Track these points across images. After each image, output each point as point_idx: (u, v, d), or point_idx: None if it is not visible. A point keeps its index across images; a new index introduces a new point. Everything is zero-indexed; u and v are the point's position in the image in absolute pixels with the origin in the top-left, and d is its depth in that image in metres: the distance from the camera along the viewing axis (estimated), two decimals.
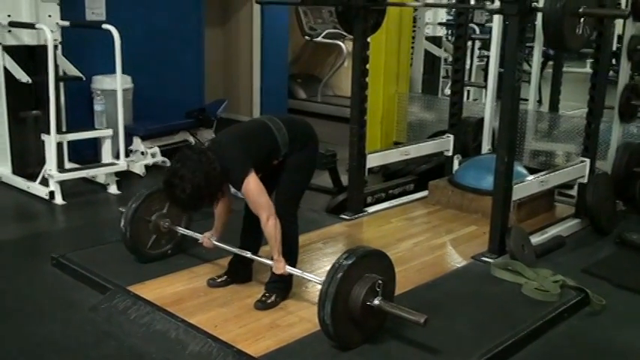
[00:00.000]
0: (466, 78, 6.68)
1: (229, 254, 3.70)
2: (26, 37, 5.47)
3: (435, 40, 8.10)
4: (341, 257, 3.03)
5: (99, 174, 5.68)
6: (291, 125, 3.44)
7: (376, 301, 3.02)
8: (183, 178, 3.15)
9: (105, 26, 5.48)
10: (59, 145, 5.43)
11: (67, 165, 5.69)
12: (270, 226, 3.25)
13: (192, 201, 3.22)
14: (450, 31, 8.68)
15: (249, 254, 3.55)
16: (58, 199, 5.28)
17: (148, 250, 3.95)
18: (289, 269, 3.37)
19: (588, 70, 7.97)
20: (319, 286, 3.04)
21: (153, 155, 6.28)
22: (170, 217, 3.95)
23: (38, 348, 3.18)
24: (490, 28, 6.56)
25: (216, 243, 3.67)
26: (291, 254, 3.47)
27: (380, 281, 3.03)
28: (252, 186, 3.22)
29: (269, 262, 3.39)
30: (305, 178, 3.53)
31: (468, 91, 8.37)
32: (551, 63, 7.57)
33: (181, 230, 3.98)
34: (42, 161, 5.41)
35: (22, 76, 5.33)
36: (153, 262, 3.94)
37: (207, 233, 3.70)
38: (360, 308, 2.99)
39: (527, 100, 6.14)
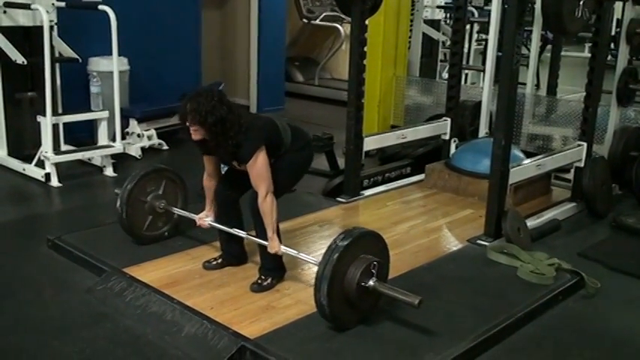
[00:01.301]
0: (464, 61, 6.66)
1: (225, 237, 3.69)
2: (22, 18, 5.42)
3: (433, 23, 8.07)
4: (337, 238, 3.04)
5: (95, 156, 5.67)
6: (294, 130, 3.52)
7: (371, 282, 3.03)
8: (210, 104, 3.17)
9: (101, 7, 5.44)
10: (55, 127, 5.42)
11: (63, 147, 5.68)
12: (269, 202, 3.27)
13: (210, 119, 3.17)
14: (448, 14, 8.64)
15: (243, 234, 3.55)
16: (54, 181, 5.26)
17: (145, 232, 3.94)
18: (284, 249, 3.38)
19: (586, 54, 7.95)
20: (315, 268, 3.05)
21: (149, 138, 6.28)
22: (166, 199, 3.95)
23: (34, 330, 3.18)
24: (489, 11, 6.54)
25: (212, 223, 3.66)
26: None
27: (375, 262, 3.05)
28: (261, 160, 3.26)
29: (264, 242, 3.38)
30: (293, 178, 3.56)
31: (466, 75, 8.36)
32: (549, 47, 7.55)
33: (177, 211, 3.97)
34: (38, 143, 5.39)
35: (18, 58, 5.30)
36: (150, 244, 3.94)
37: (202, 213, 3.70)
38: (355, 289, 3.01)
39: (525, 83, 6.13)
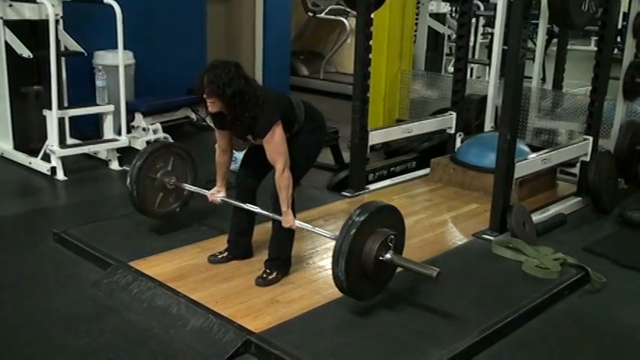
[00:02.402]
0: (470, 55, 6.64)
1: (235, 229, 3.70)
2: (27, 12, 5.42)
3: (439, 17, 8.04)
4: (354, 213, 3.05)
5: (100, 150, 5.68)
6: (308, 108, 3.51)
7: (388, 256, 3.06)
8: (227, 76, 3.15)
9: (107, 1, 5.43)
10: (61, 120, 5.42)
11: (69, 141, 5.68)
12: (286, 177, 3.26)
13: (227, 91, 3.15)
14: (454, 8, 8.61)
15: (257, 209, 3.53)
16: (60, 175, 5.28)
17: (157, 209, 3.94)
18: (298, 223, 3.37)
19: (593, 47, 7.92)
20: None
21: (154, 131, 6.26)
22: (175, 175, 3.93)
23: (40, 323, 3.19)
24: (494, 5, 6.51)
25: (224, 198, 3.65)
26: (289, 233, 3.48)
27: (392, 235, 3.06)
28: (278, 134, 3.25)
29: (277, 217, 3.36)
30: (307, 161, 3.54)
31: (472, 69, 8.34)
32: (555, 40, 7.52)
33: (188, 187, 3.96)
34: (43, 137, 5.40)
35: (24, 51, 5.31)
36: (163, 219, 3.98)
37: (214, 189, 3.67)
38: (373, 263, 3.03)
39: (530, 77, 6.11)
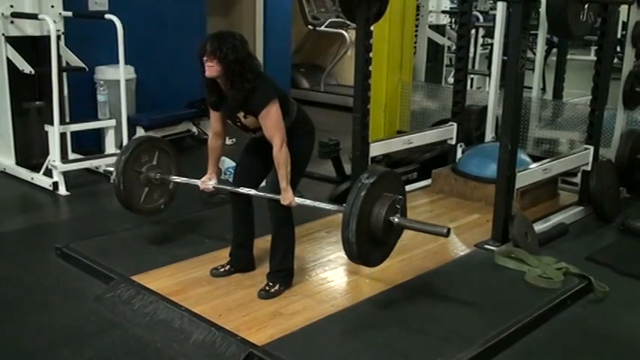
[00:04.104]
0: (470, 66, 6.66)
1: (236, 241, 3.70)
2: (29, 28, 5.46)
3: (439, 29, 8.08)
4: (362, 177, 3.08)
5: (102, 164, 5.69)
6: (300, 110, 3.50)
7: (396, 219, 3.07)
8: (231, 42, 3.17)
9: (107, 16, 5.47)
10: (62, 135, 5.44)
11: (71, 156, 5.70)
12: (284, 152, 3.24)
13: (230, 56, 3.14)
14: (453, 19, 8.65)
15: (253, 192, 3.47)
16: (62, 190, 5.29)
17: (142, 205, 3.94)
18: (298, 200, 3.34)
19: (592, 57, 7.94)
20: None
21: None
22: (160, 170, 3.94)
23: (43, 338, 3.19)
24: (494, 16, 6.54)
25: (216, 185, 3.62)
26: (289, 244, 3.48)
27: (400, 198, 3.09)
28: (275, 109, 3.24)
29: (276, 196, 3.31)
30: (299, 167, 3.46)
31: (472, 80, 8.36)
32: (555, 50, 7.54)
33: (178, 179, 3.95)
34: (45, 152, 5.42)
35: (25, 67, 5.33)
36: (148, 216, 4.00)
37: (205, 177, 3.66)
38: (382, 225, 3.04)
39: (531, 87, 6.12)
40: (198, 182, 3.69)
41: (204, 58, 3.18)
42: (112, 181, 3.83)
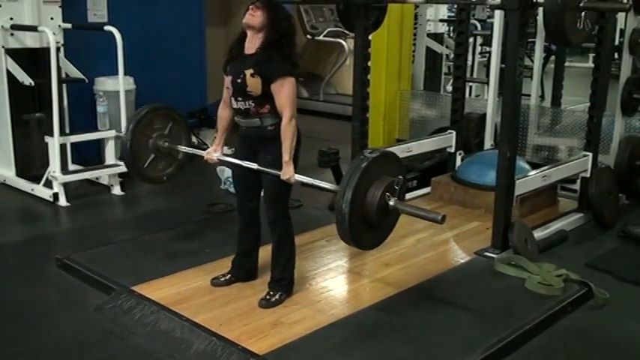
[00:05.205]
0: (468, 74, 6.67)
1: (232, 254, 3.71)
2: (29, 40, 5.48)
3: (437, 37, 8.11)
4: (366, 151, 3.06)
5: (102, 175, 5.70)
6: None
7: (392, 201, 3.03)
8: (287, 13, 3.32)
9: (107, 28, 5.49)
10: (62, 147, 5.45)
11: (71, 167, 5.71)
12: (292, 125, 3.23)
13: (281, 14, 3.26)
14: (451, 28, 8.68)
15: (255, 166, 3.40)
16: (62, 201, 5.29)
17: (145, 170, 3.93)
18: (298, 177, 3.30)
19: (590, 64, 7.97)
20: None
21: None
22: (171, 139, 3.93)
23: (44, 348, 3.19)
24: (491, 24, 6.55)
25: (220, 157, 3.61)
26: (290, 253, 3.48)
27: (400, 178, 3.05)
28: (292, 85, 3.24)
29: (277, 172, 3.28)
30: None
31: (470, 88, 8.37)
32: (553, 58, 7.56)
33: (183, 149, 3.94)
34: (45, 163, 5.43)
35: (25, 79, 5.35)
36: (149, 183, 4.02)
37: (210, 148, 3.66)
38: (377, 205, 2.99)
39: (529, 95, 6.13)
40: (203, 153, 3.69)
41: (253, 6, 3.23)
42: (121, 139, 3.79)
